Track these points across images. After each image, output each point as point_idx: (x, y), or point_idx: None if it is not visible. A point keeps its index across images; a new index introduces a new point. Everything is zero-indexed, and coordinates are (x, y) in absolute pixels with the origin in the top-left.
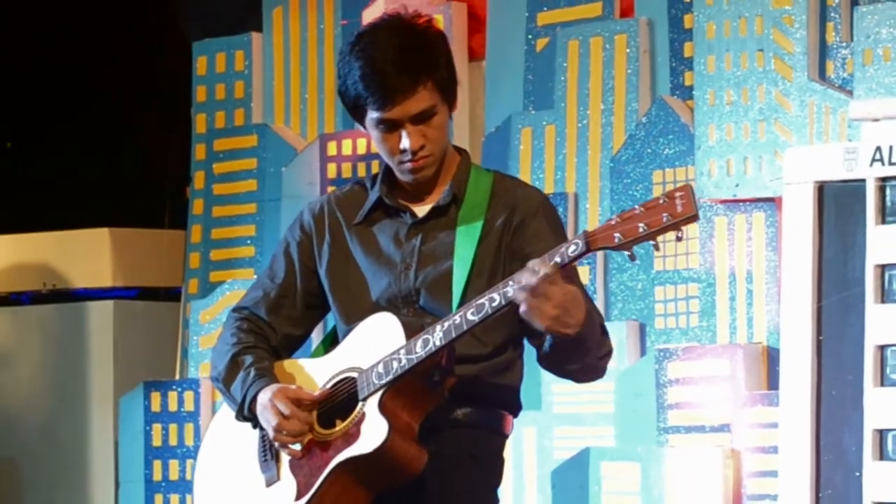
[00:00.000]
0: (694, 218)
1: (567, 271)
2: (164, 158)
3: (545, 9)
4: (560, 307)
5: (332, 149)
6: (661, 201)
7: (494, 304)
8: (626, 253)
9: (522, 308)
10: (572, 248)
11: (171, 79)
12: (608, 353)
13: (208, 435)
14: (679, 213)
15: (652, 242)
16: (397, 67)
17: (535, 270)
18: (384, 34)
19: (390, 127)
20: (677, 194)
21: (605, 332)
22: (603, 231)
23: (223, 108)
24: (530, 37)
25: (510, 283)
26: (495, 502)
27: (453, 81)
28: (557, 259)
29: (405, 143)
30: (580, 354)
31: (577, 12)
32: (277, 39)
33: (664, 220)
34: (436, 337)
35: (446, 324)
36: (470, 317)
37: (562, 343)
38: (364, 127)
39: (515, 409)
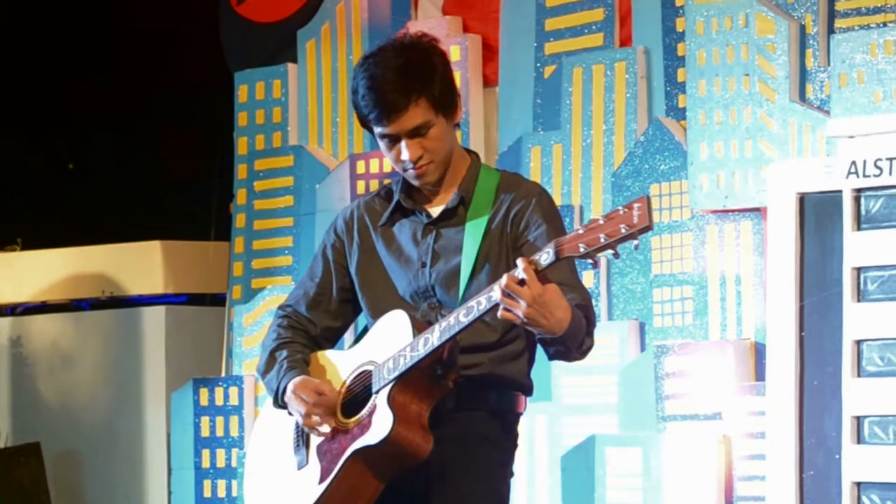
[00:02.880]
0: (648, 228)
1: (542, 274)
2: (210, 178)
3: (552, 39)
4: (532, 308)
5: (360, 167)
6: (621, 212)
7: (481, 307)
8: (590, 261)
9: (501, 308)
10: (544, 256)
11: (214, 107)
12: (588, 349)
13: (257, 423)
14: (635, 223)
15: (612, 252)
16: (392, 86)
17: (513, 276)
18: (388, 54)
19: (391, 140)
20: (635, 205)
21: (589, 333)
22: (570, 241)
23: (262, 132)
24: (539, 64)
25: (494, 287)
26: (508, 476)
27: (450, 94)
28: (532, 266)
29: (404, 154)
30: (560, 351)
31: (580, 42)
32: (311, 69)
33: (622, 230)
34: (434, 337)
35: (443, 324)
36: (461, 318)
37: (543, 337)
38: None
39: (528, 390)
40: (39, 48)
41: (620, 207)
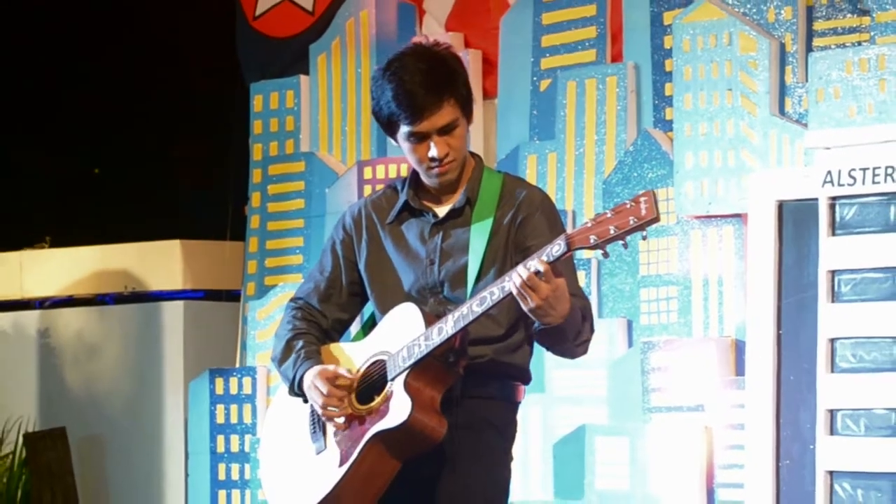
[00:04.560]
0: (656, 220)
1: (555, 266)
2: (226, 182)
3: (548, 55)
4: (545, 299)
5: (367, 173)
6: (628, 205)
7: (494, 297)
8: (601, 252)
9: (515, 293)
10: (556, 247)
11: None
12: (584, 342)
13: (270, 411)
14: (643, 216)
15: (621, 242)
16: (424, 87)
17: (527, 266)
18: (411, 59)
19: (420, 139)
20: (642, 199)
21: (585, 323)
22: (580, 233)
23: (276, 139)
24: (535, 78)
25: (506, 279)
26: (509, 461)
27: (470, 98)
28: (545, 258)
29: (433, 151)
30: (559, 340)
31: (574, 58)
32: (322, 81)
33: (631, 222)
34: (448, 325)
35: (457, 314)
36: (475, 308)
37: (545, 328)
38: (396, 141)
39: (526, 380)
40: (68, 60)
41: (627, 201)
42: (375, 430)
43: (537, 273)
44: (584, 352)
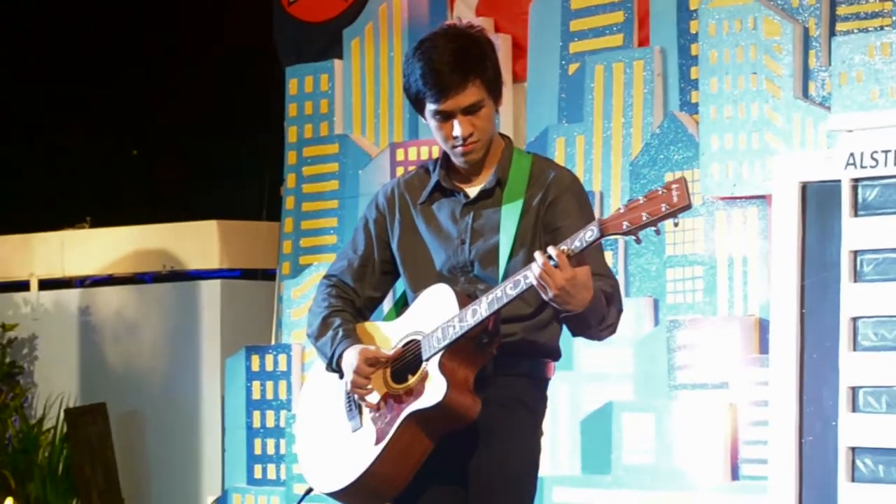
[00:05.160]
0: (687, 207)
1: (579, 256)
2: (263, 163)
3: (576, 39)
4: (561, 288)
5: (400, 155)
6: (660, 192)
7: (528, 280)
8: (633, 238)
9: (535, 284)
10: (588, 233)
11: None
12: (610, 325)
13: (305, 387)
14: (675, 203)
15: (653, 228)
16: (451, 67)
17: (549, 255)
18: (441, 40)
19: (445, 117)
20: (673, 186)
21: (611, 308)
22: (613, 220)
23: (310, 122)
24: (564, 62)
25: (533, 264)
26: (540, 436)
27: (499, 81)
28: (577, 244)
29: (457, 130)
30: (581, 327)
31: (602, 42)
32: (355, 65)
33: (663, 209)
34: (482, 308)
35: (490, 296)
36: (509, 291)
37: (567, 315)
38: (425, 118)
39: (556, 356)
40: (111, 44)
41: (659, 188)
42: (411, 410)
43: (550, 258)
44: (612, 334)
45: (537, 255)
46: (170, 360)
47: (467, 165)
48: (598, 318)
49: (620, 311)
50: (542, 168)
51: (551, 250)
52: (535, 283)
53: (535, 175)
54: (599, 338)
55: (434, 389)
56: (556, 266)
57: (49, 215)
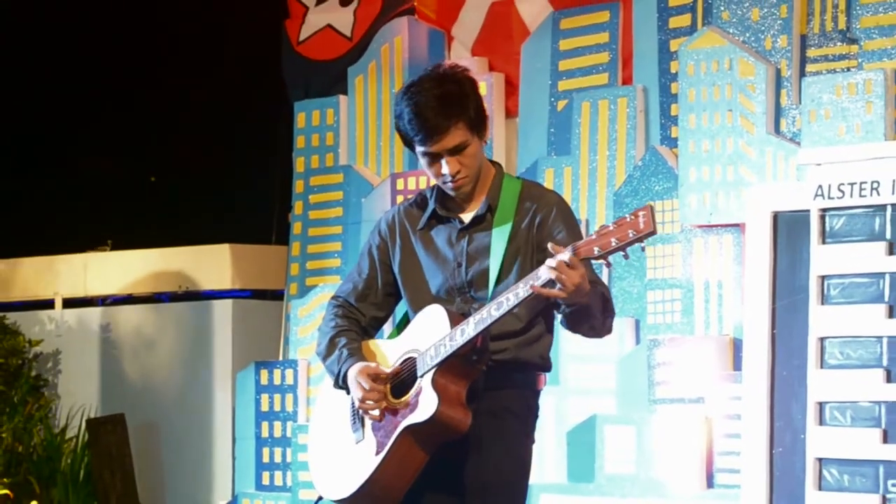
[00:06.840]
0: (653, 233)
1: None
2: (272, 192)
3: (564, 78)
4: (575, 284)
5: (400, 184)
6: (628, 219)
7: (510, 303)
8: (603, 262)
9: (556, 287)
10: (564, 255)
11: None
12: (611, 314)
13: (317, 401)
14: (641, 229)
15: (622, 253)
16: (435, 112)
17: (563, 259)
18: (427, 84)
19: (433, 158)
20: (640, 213)
21: (607, 302)
22: (586, 245)
23: (317, 153)
24: (553, 99)
25: (520, 286)
26: (530, 445)
27: (481, 117)
28: (552, 263)
29: (445, 169)
30: (589, 317)
31: (588, 81)
32: (359, 100)
33: (630, 235)
34: (469, 328)
35: (477, 317)
36: (493, 312)
37: (577, 308)
38: (415, 154)
39: (547, 368)
40: (130, 73)
41: (628, 215)
42: (406, 424)
43: (567, 264)
44: (608, 333)
45: (543, 268)
46: (184, 374)
47: (458, 197)
48: (599, 307)
49: (614, 314)
50: (531, 192)
51: (562, 257)
52: (556, 286)
53: (524, 199)
54: (602, 328)
55: (426, 404)
56: (569, 266)
57: (72, 238)
